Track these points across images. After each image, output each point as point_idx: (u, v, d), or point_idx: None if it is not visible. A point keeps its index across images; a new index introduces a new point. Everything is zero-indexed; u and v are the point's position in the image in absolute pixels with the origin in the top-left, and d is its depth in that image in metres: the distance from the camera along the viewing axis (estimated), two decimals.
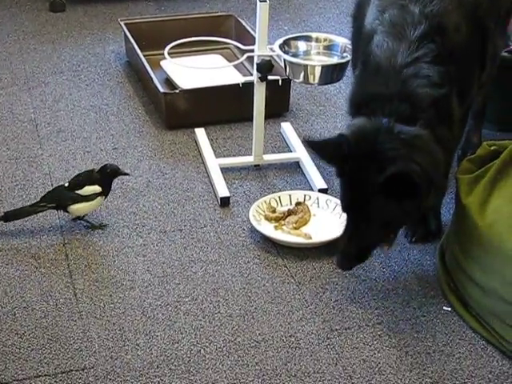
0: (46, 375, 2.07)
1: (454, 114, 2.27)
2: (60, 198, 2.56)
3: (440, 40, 2.23)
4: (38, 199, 2.58)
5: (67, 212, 2.57)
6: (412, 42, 2.22)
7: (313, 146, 2.21)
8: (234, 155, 2.99)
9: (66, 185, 2.58)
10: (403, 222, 2.33)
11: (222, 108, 3.16)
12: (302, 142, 2.21)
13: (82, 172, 2.63)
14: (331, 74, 2.74)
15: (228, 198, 2.72)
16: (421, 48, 2.21)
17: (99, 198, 2.56)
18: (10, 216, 2.56)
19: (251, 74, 2.97)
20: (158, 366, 2.10)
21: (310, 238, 2.54)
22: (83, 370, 2.08)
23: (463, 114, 2.45)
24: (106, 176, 2.58)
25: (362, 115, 2.21)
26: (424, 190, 2.10)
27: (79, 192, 2.54)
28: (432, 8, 2.25)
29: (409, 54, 2.21)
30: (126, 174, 2.63)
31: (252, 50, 2.76)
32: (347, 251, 2.27)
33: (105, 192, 2.57)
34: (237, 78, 3.18)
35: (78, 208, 2.55)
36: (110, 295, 2.33)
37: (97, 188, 2.55)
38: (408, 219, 2.29)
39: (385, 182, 2.07)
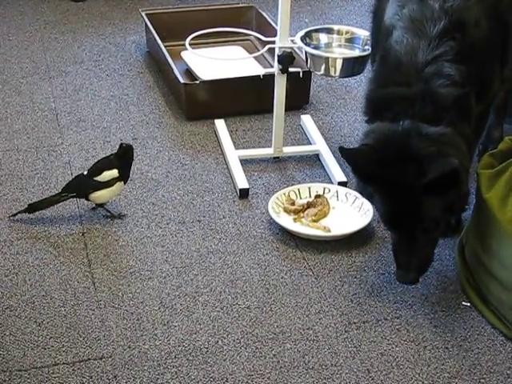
0: (64, 363, 2.07)
1: (473, 111, 2.27)
2: (80, 186, 2.57)
3: (460, 37, 2.22)
4: (59, 189, 2.59)
5: (89, 200, 2.58)
6: (432, 39, 2.20)
7: (345, 154, 2.19)
8: (253, 147, 2.98)
9: (85, 173, 2.59)
10: (451, 214, 2.31)
11: (242, 100, 3.15)
12: (339, 149, 2.19)
13: (100, 159, 2.64)
14: (352, 66, 2.74)
15: (247, 189, 2.72)
16: (441, 45, 2.20)
17: (118, 183, 2.56)
18: (34, 208, 2.56)
19: (272, 66, 2.97)
20: (175, 357, 2.10)
21: (329, 230, 2.54)
22: (101, 358, 2.09)
23: (485, 110, 2.44)
24: (121, 154, 2.56)
25: (384, 119, 2.21)
26: (463, 180, 2.13)
27: (98, 179, 2.55)
28: (452, 3, 2.24)
29: (429, 52, 2.19)
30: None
31: (273, 42, 2.76)
32: (411, 262, 2.22)
33: (123, 176, 2.57)
34: (257, 70, 3.18)
35: (98, 195, 2.56)
36: (129, 285, 2.33)
37: (114, 172, 2.55)
38: (455, 210, 2.28)
39: (429, 181, 2.07)
